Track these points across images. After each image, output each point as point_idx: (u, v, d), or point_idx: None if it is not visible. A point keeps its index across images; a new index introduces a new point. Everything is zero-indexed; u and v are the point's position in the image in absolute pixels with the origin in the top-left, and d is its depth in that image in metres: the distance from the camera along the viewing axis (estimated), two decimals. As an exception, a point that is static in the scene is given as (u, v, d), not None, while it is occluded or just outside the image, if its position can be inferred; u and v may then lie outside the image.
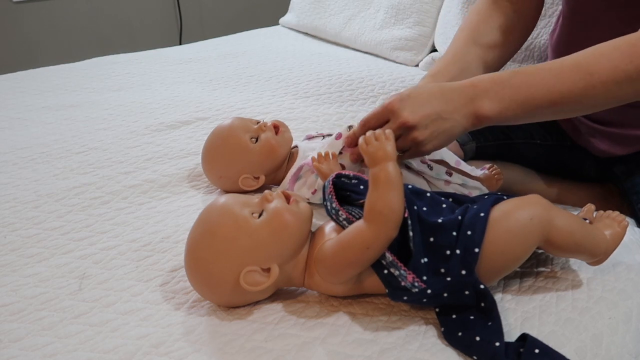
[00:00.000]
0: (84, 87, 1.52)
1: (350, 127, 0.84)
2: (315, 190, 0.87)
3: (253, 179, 0.94)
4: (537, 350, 0.61)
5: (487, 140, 1.07)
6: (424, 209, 0.67)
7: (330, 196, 0.68)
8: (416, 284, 0.62)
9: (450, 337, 0.63)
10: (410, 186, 0.70)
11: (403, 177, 0.82)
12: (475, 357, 0.61)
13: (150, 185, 1.00)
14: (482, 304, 0.64)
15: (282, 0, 2.32)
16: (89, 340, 0.65)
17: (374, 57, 1.76)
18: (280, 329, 0.65)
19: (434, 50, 1.68)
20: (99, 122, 1.28)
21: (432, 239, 0.65)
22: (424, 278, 0.63)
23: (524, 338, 0.62)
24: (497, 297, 0.70)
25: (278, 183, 0.98)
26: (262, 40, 1.98)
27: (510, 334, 0.64)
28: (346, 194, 0.70)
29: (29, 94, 1.48)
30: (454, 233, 0.65)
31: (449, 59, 0.98)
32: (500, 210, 0.67)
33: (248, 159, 0.93)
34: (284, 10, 2.21)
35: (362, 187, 0.70)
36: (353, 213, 0.66)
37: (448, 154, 0.86)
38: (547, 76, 0.75)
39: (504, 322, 0.64)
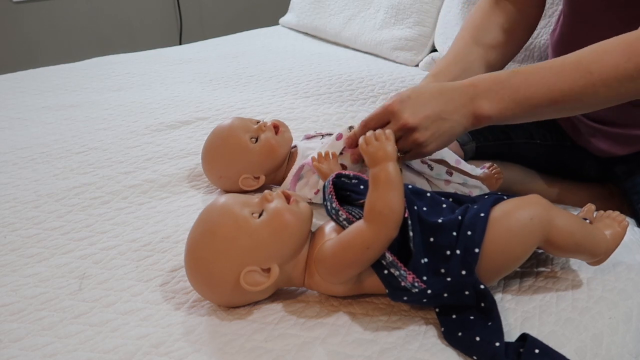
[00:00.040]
0: (84, 87, 1.52)
1: (351, 127, 0.84)
2: (318, 191, 0.87)
3: (253, 179, 0.94)
4: (537, 350, 0.61)
5: (487, 140, 1.07)
6: (424, 209, 0.67)
7: (330, 196, 0.68)
8: (416, 284, 0.62)
9: (450, 337, 0.63)
10: (410, 186, 0.70)
11: (403, 177, 0.82)
12: (475, 357, 0.61)
13: (150, 185, 1.00)
14: (482, 304, 0.64)
15: (282, 0, 2.32)
16: (89, 340, 0.65)
17: (374, 57, 1.76)
18: (280, 329, 0.65)
19: (434, 50, 1.68)
20: (99, 122, 1.28)
21: (432, 239, 0.65)
22: (424, 278, 0.63)
23: (524, 338, 0.62)
24: (497, 297, 0.70)
25: (278, 183, 0.98)
26: (262, 40, 1.98)
27: (510, 334, 0.64)
28: (346, 194, 0.70)
29: (29, 94, 1.48)
30: (454, 233, 0.65)
31: (451, 59, 0.98)
32: (500, 210, 0.67)
33: (248, 159, 0.93)
34: (284, 10, 2.21)
35: (362, 187, 0.70)
36: (353, 213, 0.66)
37: (448, 154, 0.86)
38: (547, 75, 0.75)
39: (504, 322, 0.64)
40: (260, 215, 0.66)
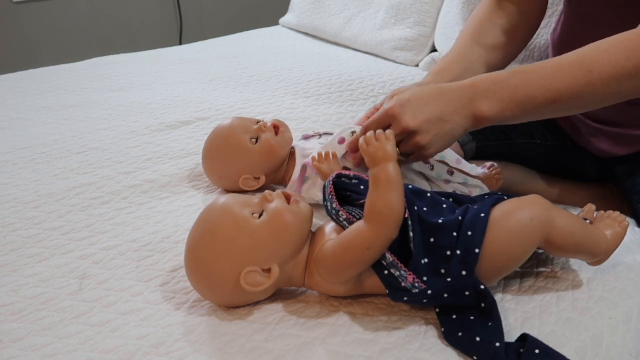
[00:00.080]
0: (84, 87, 1.52)
1: (353, 132, 0.84)
2: None
3: (253, 179, 0.94)
4: (537, 350, 0.61)
5: (487, 140, 1.07)
6: (424, 209, 0.67)
7: (330, 196, 0.68)
8: (416, 284, 0.62)
9: (450, 337, 0.63)
10: (410, 186, 0.70)
11: (403, 177, 0.82)
12: (475, 357, 0.61)
13: (150, 185, 1.00)
14: (482, 304, 0.64)
15: (282, 0, 2.32)
16: (89, 340, 0.65)
17: (374, 57, 1.76)
18: (280, 329, 0.65)
19: (434, 50, 1.68)
20: (99, 122, 1.28)
21: (432, 240, 0.65)
22: (424, 278, 0.63)
23: (524, 338, 0.62)
24: (497, 297, 0.70)
25: (278, 182, 0.98)
26: (262, 40, 1.98)
27: (511, 334, 0.64)
28: (346, 194, 0.70)
29: (29, 94, 1.48)
30: (454, 233, 0.65)
31: (453, 58, 0.98)
32: (500, 211, 0.67)
33: (248, 159, 0.93)
34: (284, 10, 2.21)
35: (362, 187, 0.70)
36: (353, 213, 0.66)
37: (449, 153, 0.86)
38: (546, 74, 0.75)
39: (504, 322, 0.64)
40: (260, 215, 0.66)
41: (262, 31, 2.13)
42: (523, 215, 0.66)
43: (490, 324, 0.63)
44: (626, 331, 0.68)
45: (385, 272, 0.64)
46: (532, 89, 0.75)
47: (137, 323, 0.67)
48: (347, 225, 0.66)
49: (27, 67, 1.71)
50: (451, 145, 0.83)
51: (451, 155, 0.87)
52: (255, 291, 0.65)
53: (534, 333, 0.64)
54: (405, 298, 0.65)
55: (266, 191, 0.69)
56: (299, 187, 0.89)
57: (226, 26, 2.77)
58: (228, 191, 0.96)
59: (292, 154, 0.96)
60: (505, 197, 0.71)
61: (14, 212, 0.93)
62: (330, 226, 0.69)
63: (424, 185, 0.87)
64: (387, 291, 0.65)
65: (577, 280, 0.73)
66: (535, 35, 1.32)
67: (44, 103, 1.41)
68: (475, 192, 0.87)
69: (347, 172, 0.72)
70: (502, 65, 1.02)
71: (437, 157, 0.85)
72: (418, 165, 0.87)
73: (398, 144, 0.75)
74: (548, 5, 1.27)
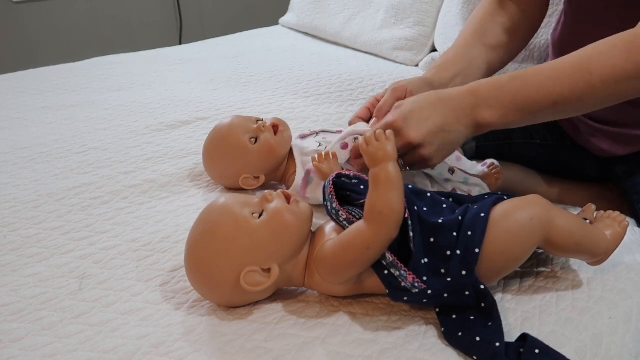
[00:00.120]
0: (84, 87, 1.52)
1: (356, 138, 0.84)
2: None
3: (253, 178, 0.95)
4: (537, 351, 0.61)
5: (487, 140, 1.07)
6: (425, 209, 0.67)
7: (330, 196, 0.68)
8: (416, 284, 0.62)
9: (450, 337, 0.63)
10: (410, 186, 0.70)
11: (404, 176, 0.82)
12: (475, 357, 0.61)
13: (150, 185, 1.00)
14: (483, 304, 0.64)
15: (282, 0, 2.32)
16: (89, 340, 0.65)
17: (374, 57, 1.76)
18: (280, 329, 0.65)
19: (434, 50, 1.68)
20: (99, 122, 1.28)
21: (432, 240, 0.65)
22: (424, 278, 0.63)
23: (524, 338, 0.62)
24: (497, 297, 0.70)
25: (278, 180, 0.98)
26: (262, 40, 1.98)
27: (511, 334, 0.64)
28: (346, 194, 0.70)
29: (29, 94, 1.48)
30: (455, 233, 0.65)
31: (454, 54, 0.98)
32: (500, 211, 0.67)
33: (247, 159, 0.93)
34: (284, 10, 2.21)
35: (362, 187, 0.70)
36: (353, 213, 0.66)
37: None
38: (546, 78, 0.75)
39: (504, 322, 0.64)
40: (260, 215, 0.66)
41: (262, 31, 2.13)
42: (523, 215, 0.66)
43: (490, 324, 0.63)
44: (626, 331, 0.68)
45: (386, 272, 0.64)
46: (533, 94, 0.75)
47: (137, 323, 0.67)
48: (347, 225, 0.66)
49: (27, 67, 1.71)
50: None
51: (452, 155, 0.86)
52: (255, 291, 0.65)
53: (534, 333, 0.64)
54: (405, 298, 0.65)
55: (266, 191, 0.69)
56: (303, 189, 0.89)
57: (226, 26, 2.77)
58: (229, 189, 0.97)
59: (290, 152, 0.96)
60: (505, 197, 0.71)
61: (14, 212, 0.93)
62: (330, 226, 0.69)
63: (425, 184, 0.87)
64: (387, 291, 0.65)
65: (577, 280, 0.73)
66: (535, 35, 1.32)
67: (44, 103, 1.41)
68: (475, 191, 0.87)
69: (347, 172, 0.72)
70: (502, 64, 1.02)
71: None
72: None
73: (401, 156, 0.76)
74: (549, 5, 1.27)
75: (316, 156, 0.83)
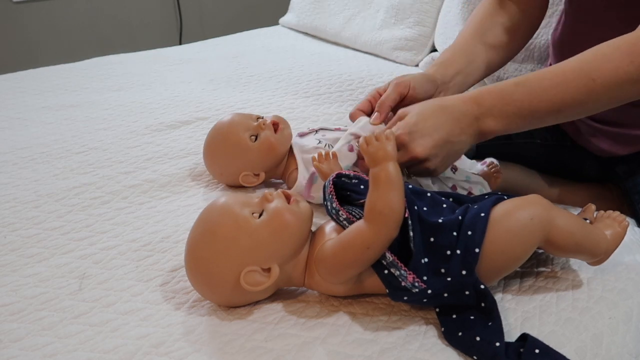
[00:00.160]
0: (84, 87, 1.52)
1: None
2: None
3: (253, 175, 0.95)
4: (537, 350, 0.61)
5: (487, 140, 1.07)
6: (425, 209, 0.67)
7: (330, 196, 0.68)
8: (416, 284, 0.62)
9: (450, 337, 0.63)
10: (410, 186, 0.70)
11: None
12: (475, 357, 0.61)
13: (150, 185, 1.00)
14: (483, 304, 0.64)
15: (282, 0, 2.32)
16: (89, 340, 0.65)
17: (374, 57, 1.76)
18: (281, 328, 0.65)
19: (434, 50, 1.68)
20: (99, 122, 1.28)
21: (432, 239, 0.65)
22: (424, 278, 0.63)
23: (524, 338, 0.62)
24: (498, 297, 0.70)
25: (278, 178, 0.99)
26: (262, 40, 1.98)
27: (511, 334, 0.64)
28: (346, 194, 0.70)
29: (29, 94, 1.47)
30: (455, 233, 0.65)
31: (456, 50, 0.98)
32: (500, 210, 0.67)
33: (247, 157, 0.94)
34: (284, 10, 2.21)
35: (362, 187, 0.70)
36: (353, 213, 0.66)
37: None
38: (550, 85, 0.75)
39: (504, 322, 0.64)
40: (260, 215, 0.66)
41: (262, 31, 2.13)
42: (523, 215, 0.66)
43: (490, 323, 0.63)
44: (626, 331, 0.68)
45: (386, 271, 0.64)
46: (536, 102, 0.76)
47: (137, 323, 0.67)
48: (347, 225, 0.65)
49: (27, 67, 1.71)
50: None
51: None
52: (255, 291, 0.65)
53: (534, 333, 0.64)
54: (405, 298, 0.65)
55: (266, 191, 0.69)
56: (308, 188, 0.89)
57: (226, 26, 2.77)
58: (229, 186, 0.98)
59: (290, 150, 0.97)
60: (506, 197, 0.71)
61: (14, 212, 0.93)
62: (330, 226, 0.69)
63: (426, 182, 0.87)
64: (387, 291, 0.65)
65: (577, 280, 0.73)
66: (535, 35, 1.32)
67: (44, 103, 1.41)
68: (476, 189, 0.87)
69: (347, 172, 0.72)
70: (501, 63, 1.03)
71: None
72: None
73: (406, 167, 0.77)
74: (549, 4, 1.27)
75: (316, 156, 0.83)
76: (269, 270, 0.65)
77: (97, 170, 1.05)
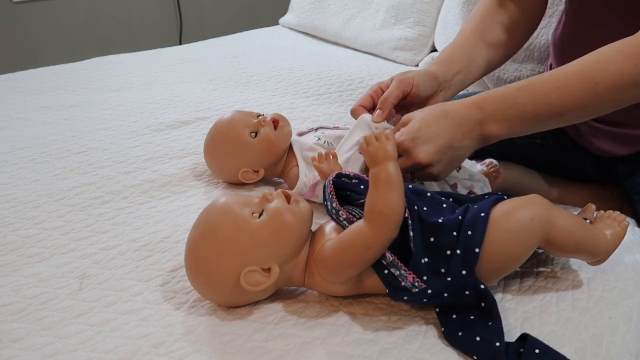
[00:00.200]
0: (84, 87, 1.52)
1: None
2: None
3: (252, 172, 0.96)
4: (537, 350, 0.61)
5: (489, 143, 1.07)
6: (425, 208, 0.67)
7: (330, 196, 0.68)
8: (416, 284, 0.62)
9: (450, 337, 0.63)
10: (410, 186, 0.70)
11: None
12: (475, 357, 0.61)
13: (150, 185, 1.00)
14: (483, 304, 0.64)
15: (282, 0, 2.32)
16: (89, 340, 0.65)
17: (374, 57, 1.76)
18: (281, 328, 0.65)
19: (434, 50, 1.68)
20: (99, 122, 1.28)
21: (432, 239, 0.65)
22: (424, 278, 0.63)
23: (524, 338, 0.62)
24: (498, 297, 0.70)
25: (278, 175, 0.99)
26: (262, 40, 1.98)
27: (511, 334, 0.64)
28: (346, 194, 0.70)
29: (29, 94, 1.48)
30: (455, 233, 0.65)
31: (457, 48, 0.98)
32: (500, 210, 0.67)
33: (247, 153, 0.94)
34: (284, 10, 2.21)
35: (362, 186, 0.70)
36: (353, 213, 0.66)
37: None
38: (552, 89, 0.75)
39: (504, 322, 0.64)
40: (260, 215, 0.66)
41: (262, 31, 2.13)
42: (523, 215, 0.66)
43: (490, 323, 0.63)
44: (626, 331, 0.68)
45: (386, 271, 0.64)
46: (539, 106, 0.76)
47: (137, 323, 0.67)
48: (347, 225, 0.65)
49: (27, 67, 1.71)
50: None
51: None
52: (255, 291, 0.65)
53: (534, 333, 0.64)
54: (405, 297, 0.65)
55: (266, 191, 0.69)
56: (312, 191, 0.89)
57: (226, 26, 2.77)
58: (229, 182, 0.98)
59: (290, 147, 0.97)
60: (506, 197, 0.71)
61: (14, 212, 0.93)
62: (330, 226, 0.69)
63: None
64: (387, 291, 0.65)
65: (577, 280, 0.73)
66: (535, 35, 1.32)
67: (44, 103, 1.41)
68: (477, 187, 0.87)
69: (347, 172, 0.72)
70: (501, 62, 1.03)
71: None
72: None
73: (410, 172, 0.77)
74: (548, 4, 1.27)
75: (316, 156, 0.83)
76: (269, 270, 0.65)
77: (97, 170, 1.06)
